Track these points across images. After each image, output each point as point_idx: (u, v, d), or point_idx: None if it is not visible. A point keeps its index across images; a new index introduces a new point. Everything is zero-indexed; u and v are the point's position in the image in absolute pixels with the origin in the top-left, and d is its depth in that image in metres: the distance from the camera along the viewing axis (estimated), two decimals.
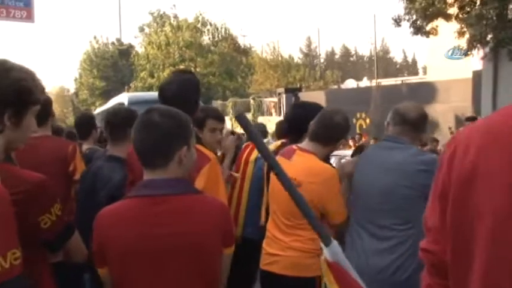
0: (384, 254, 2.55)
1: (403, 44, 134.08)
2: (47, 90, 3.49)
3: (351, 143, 11.07)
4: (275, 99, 24.18)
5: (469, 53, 11.40)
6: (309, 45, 64.41)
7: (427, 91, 15.08)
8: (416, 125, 2.67)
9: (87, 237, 1.82)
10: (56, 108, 27.29)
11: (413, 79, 32.36)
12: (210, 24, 32.03)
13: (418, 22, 11.63)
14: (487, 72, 12.42)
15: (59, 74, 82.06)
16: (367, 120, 18.10)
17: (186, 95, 2.50)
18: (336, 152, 3.44)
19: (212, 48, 31.77)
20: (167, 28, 30.76)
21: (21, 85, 1.56)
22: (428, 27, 12.27)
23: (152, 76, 30.14)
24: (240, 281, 2.89)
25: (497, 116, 1.16)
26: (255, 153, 3.64)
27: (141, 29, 35.07)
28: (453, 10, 11.89)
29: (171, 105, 2.46)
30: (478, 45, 10.93)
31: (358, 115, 18.22)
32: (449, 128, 11.94)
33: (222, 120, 3.25)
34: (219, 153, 3.46)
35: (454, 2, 11.61)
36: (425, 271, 1.32)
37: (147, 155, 1.71)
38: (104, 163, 2.94)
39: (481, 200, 1.06)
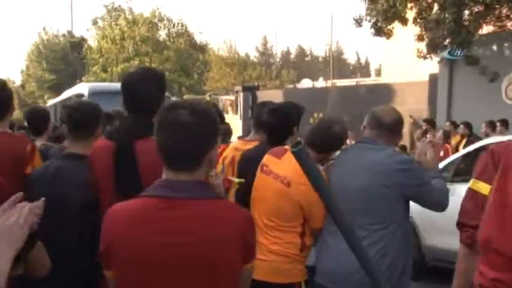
0: None
1: (356, 46, 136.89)
2: None
3: None
4: (232, 97, 23.96)
5: (428, 56, 11.62)
6: (265, 44, 64.79)
7: (384, 93, 15.29)
8: (392, 129, 2.71)
9: (50, 248, 1.63)
10: None
11: (368, 80, 33.04)
12: (168, 20, 31.49)
13: (379, 23, 11.74)
14: (443, 75, 12.70)
15: (3, 65, 78.43)
16: None
17: (152, 90, 2.39)
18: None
19: (168, 44, 31.23)
20: (122, 22, 29.95)
21: None
22: (386, 29, 12.42)
23: (105, 71, 29.30)
24: None
25: None
26: (229, 156, 3.51)
27: (94, 22, 34.04)
28: (411, 14, 12.09)
29: (136, 100, 2.36)
30: (438, 49, 11.15)
31: (315, 115, 18.29)
32: (410, 117, 12.06)
33: None
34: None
35: (412, 7, 11.81)
36: None
37: (174, 157, 1.52)
38: (64, 162, 2.68)
39: None
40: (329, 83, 32.57)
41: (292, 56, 71.03)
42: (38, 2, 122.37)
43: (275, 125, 3.08)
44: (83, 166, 2.51)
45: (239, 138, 3.97)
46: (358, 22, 12.29)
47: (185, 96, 26.90)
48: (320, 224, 2.70)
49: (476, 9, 11.17)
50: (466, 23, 11.01)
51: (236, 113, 21.72)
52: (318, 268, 2.74)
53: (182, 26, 32.45)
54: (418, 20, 11.88)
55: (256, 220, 2.68)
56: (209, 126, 1.52)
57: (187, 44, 32.27)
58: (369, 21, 12.02)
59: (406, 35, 12.90)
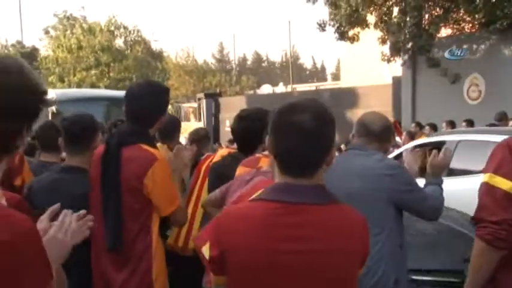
0: None
1: (311, 51, 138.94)
2: None
3: None
4: (194, 105, 23.76)
5: (392, 59, 11.87)
6: (221, 51, 64.80)
7: (348, 96, 15.49)
8: (381, 136, 2.68)
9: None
10: None
11: (327, 85, 33.47)
12: (124, 28, 30.89)
13: (343, 28, 11.92)
14: (406, 78, 12.99)
15: None
16: None
17: (151, 103, 2.49)
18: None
19: (127, 52, 30.63)
20: (78, 31, 29.15)
21: None
22: (350, 34, 12.65)
23: (62, 81, 28.40)
24: None
25: None
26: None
27: (46, 31, 33.00)
28: (372, 19, 12.35)
29: (133, 111, 2.45)
30: (400, 52, 11.41)
31: None
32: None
33: None
34: None
35: (372, 11, 12.07)
36: None
37: (295, 163, 1.42)
38: (60, 175, 2.61)
39: None
40: (289, 88, 32.83)
41: (249, 62, 71.40)
42: None
43: (246, 132, 2.90)
44: (79, 179, 2.52)
45: (227, 146, 3.88)
46: (322, 27, 12.44)
47: None
48: None
49: (435, 13, 11.52)
50: (427, 27, 11.34)
51: (199, 120, 21.55)
52: None
53: (138, 33, 31.96)
54: (379, 23, 12.15)
55: None
56: (330, 130, 1.44)
57: (144, 52, 31.76)
58: (333, 26, 12.19)
59: (367, 39, 13.17)
